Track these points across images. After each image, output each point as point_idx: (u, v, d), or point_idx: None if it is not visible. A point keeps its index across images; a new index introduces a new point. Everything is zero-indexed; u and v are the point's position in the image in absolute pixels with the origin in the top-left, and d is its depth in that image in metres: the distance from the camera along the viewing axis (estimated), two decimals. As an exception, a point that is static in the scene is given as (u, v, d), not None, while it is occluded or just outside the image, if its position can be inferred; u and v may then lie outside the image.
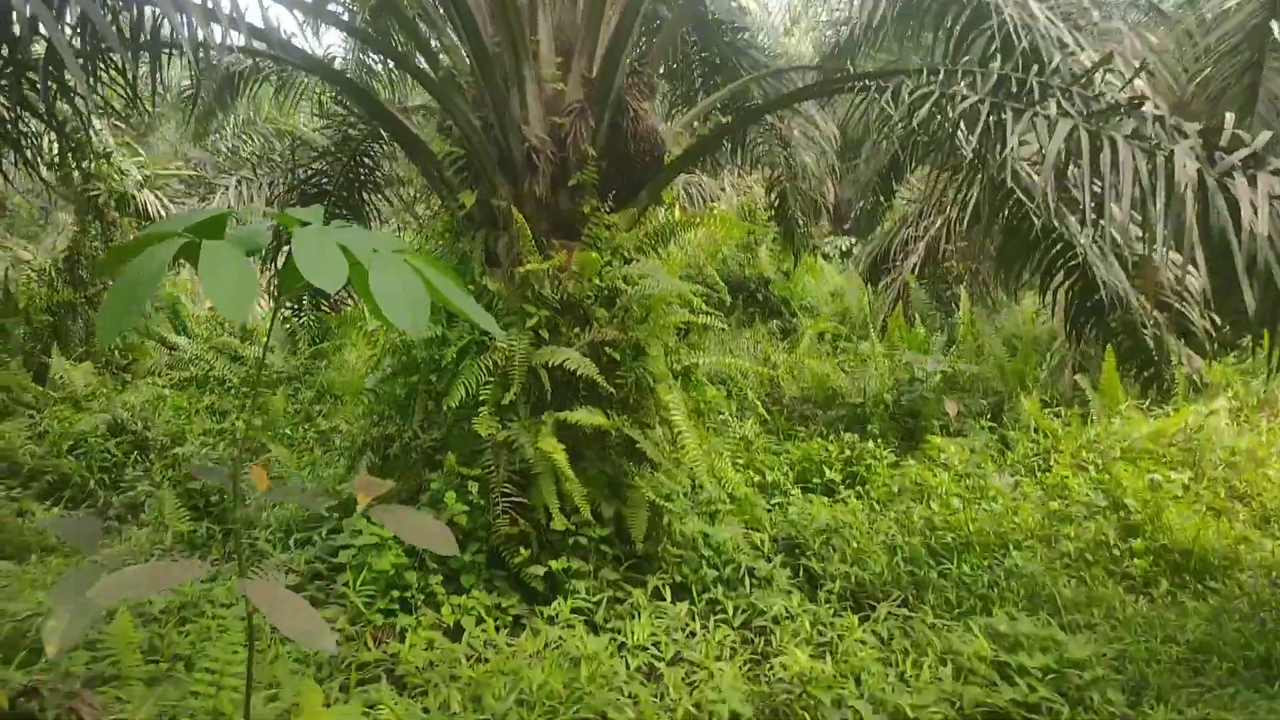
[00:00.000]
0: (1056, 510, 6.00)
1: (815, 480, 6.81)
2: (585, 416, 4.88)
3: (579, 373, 4.81)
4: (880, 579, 4.96)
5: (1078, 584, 5.02)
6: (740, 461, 6.93)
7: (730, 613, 4.49)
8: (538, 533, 5.02)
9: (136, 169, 12.05)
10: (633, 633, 4.20)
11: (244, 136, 14.58)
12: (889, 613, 4.50)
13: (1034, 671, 3.84)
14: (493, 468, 4.96)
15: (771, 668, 3.86)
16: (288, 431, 7.90)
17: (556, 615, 4.31)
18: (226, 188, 14.14)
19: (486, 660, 3.81)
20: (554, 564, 4.77)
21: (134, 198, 11.79)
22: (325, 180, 8.97)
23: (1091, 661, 3.94)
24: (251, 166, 12.74)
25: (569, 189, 5.30)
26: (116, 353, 9.15)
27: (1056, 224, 7.71)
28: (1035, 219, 7.67)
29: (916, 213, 11.74)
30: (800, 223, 11.35)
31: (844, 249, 16.81)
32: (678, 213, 5.58)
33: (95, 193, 9.21)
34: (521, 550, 4.93)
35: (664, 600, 4.66)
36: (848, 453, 7.00)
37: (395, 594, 4.62)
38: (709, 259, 12.54)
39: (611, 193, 5.27)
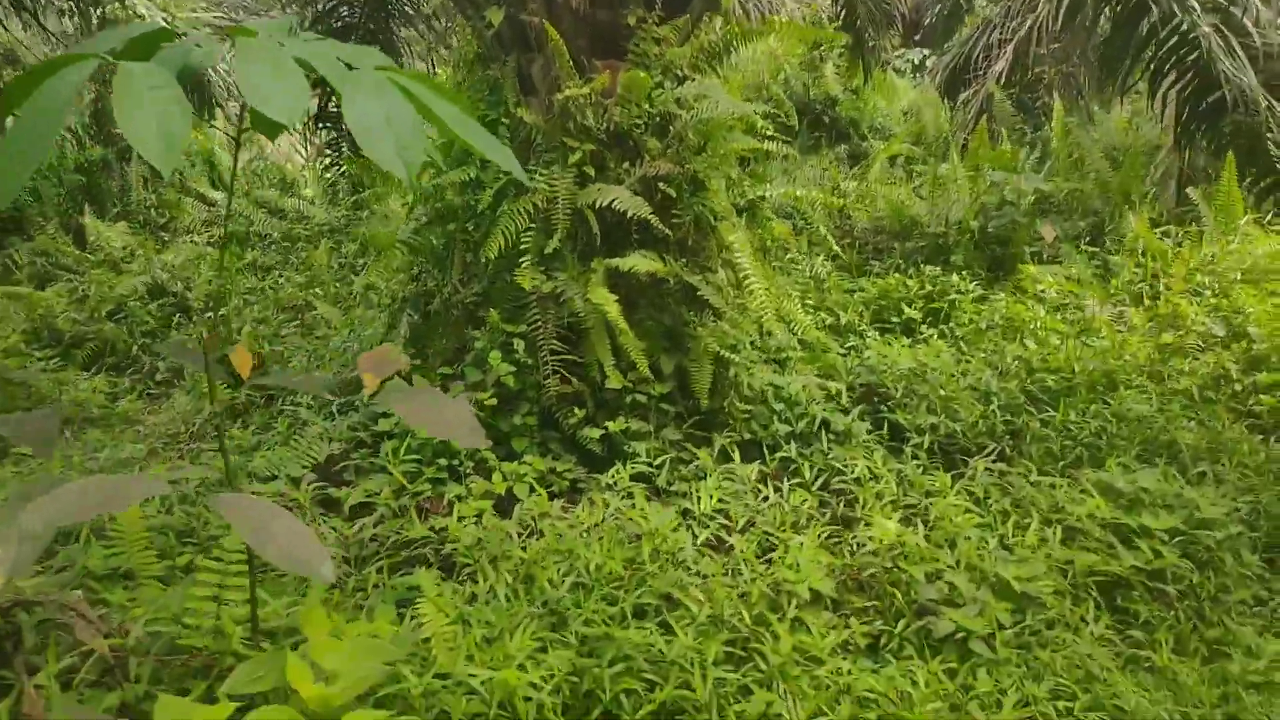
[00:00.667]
0: (1170, 343, 5.37)
1: (894, 320, 6.24)
2: (639, 262, 4.35)
3: (630, 214, 4.25)
4: (973, 430, 4.47)
5: (1199, 428, 4.47)
6: (811, 302, 6.38)
7: (806, 474, 4.08)
8: (593, 391, 4.62)
9: (155, 10, 11.38)
10: (699, 499, 3.82)
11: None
12: (985, 468, 4.04)
13: (1157, 533, 3.36)
14: (539, 323, 4.51)
15: (855, 537, 3.45)
16: (333, 288, 7.56)
17: (615, 482, 3.93)
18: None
19: (541, 534, 3.47)
20: (611, 425, 4.38)
21: (157, 45, 11.19)
22: (348, 11, 8.25)
23: (1222, 520, 3.44)
24: (281, 5, 11.94)
25: (603, -2, 4.57)
26: (153, 210, 8.81)
27: (1175, 10, 6.67)
28: (1153, 4, 6.65)
29: (1002, 13, 10.49)
30: (870, 34, 10.28)
31: (917, 62, 15.44)
32: (735, 26, 4.80)
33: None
34: (576, 411, 4.54)
35: (732, 461, 4.26)
36: (929, 288, 6.38)
37: (442, 462, 4.30)
38: (771, 79, 11.54)
39: (659, 0, 4.53)
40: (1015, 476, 3.96)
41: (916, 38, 16.60)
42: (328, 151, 8.89)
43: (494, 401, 4.39)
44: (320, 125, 8.55)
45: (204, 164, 10.32)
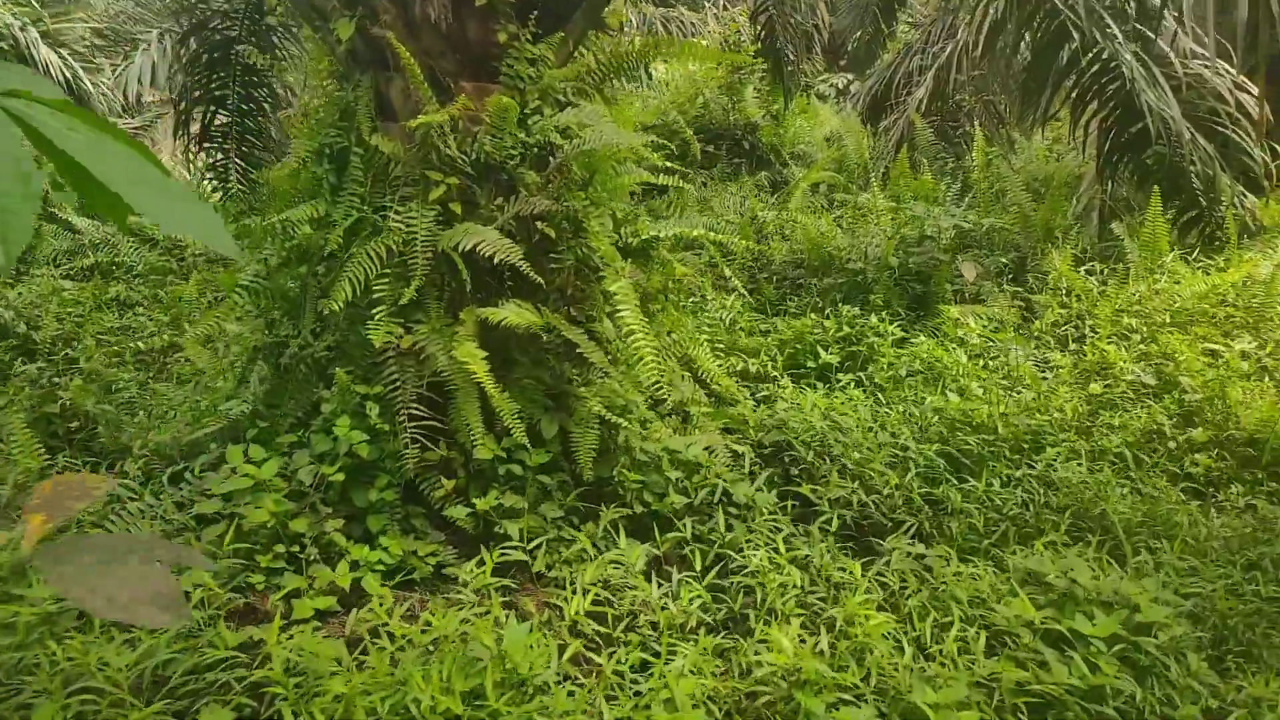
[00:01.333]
0: (1099, 394, 5.00)
1: (809, 364, 5.78)
2: (512, 314, 3.79)
3: (498, 259, 3.69)
4: (888, 502, 3.99)
5: (1132, 496, 4.07)
6: (721, 346, 5.89)
7: (699, 563, 3.54)
8: (465, 459, 4.04)
9: (23, 20, 10.50)
10: (574, 594, 3.25)
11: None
12: (901, 550, 3.55)
13: (1093, 641, 2.90)
14: (398, 383, 3.92)
15: (749, 650, 2.92)
16: (205, 327, 6.81)
17: (469, 580, 3.35)
18: (148, 44, 12.53)
19: (369, 655, 2.86)
20: (479, 502, 3.80)
21: (25, 57, 10.30)
22: (225, 24, 7.55)
23: (1164, 621, 3.00)
24: (175, 15, 11.14)
25: (477, 11, 4.02)
26: None
27: (1098, 37, 6.39)
28: (1073, 32, 6.35)
29: (923, 39, 10.26)
30: (790, 57, 9.93)
31: (840, 87, 15.24)
32: (628, 45, 4.29)
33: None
34: (444, 482, 3.95)
35: (619, 541, 3.70)
36: (847, 329, 5.94)
37: (280, 548, 3.67)
38: (688, 104, 11.15)
39: (533, 14, 4.00)
40: (935, 560, 3.48)
41: (841, 63, 16.44)
42: (209, 175, 8.15)
43: (340, 476, 3.77)
44: (202, 145, 7.83)
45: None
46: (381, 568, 3.71)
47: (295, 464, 3.91)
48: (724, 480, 4.03)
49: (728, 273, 4.93)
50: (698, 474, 4.13)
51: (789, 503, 4.05)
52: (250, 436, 4.21)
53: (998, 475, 4.15)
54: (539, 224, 3.99)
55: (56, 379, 5.11)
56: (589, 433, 3.98)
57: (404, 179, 3.94)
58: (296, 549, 3.70)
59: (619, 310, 3.68)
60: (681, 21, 15.63)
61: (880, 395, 5.34)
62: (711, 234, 4.48)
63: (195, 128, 7.68)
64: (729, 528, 3.80)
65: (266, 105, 7.56)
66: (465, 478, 4.04)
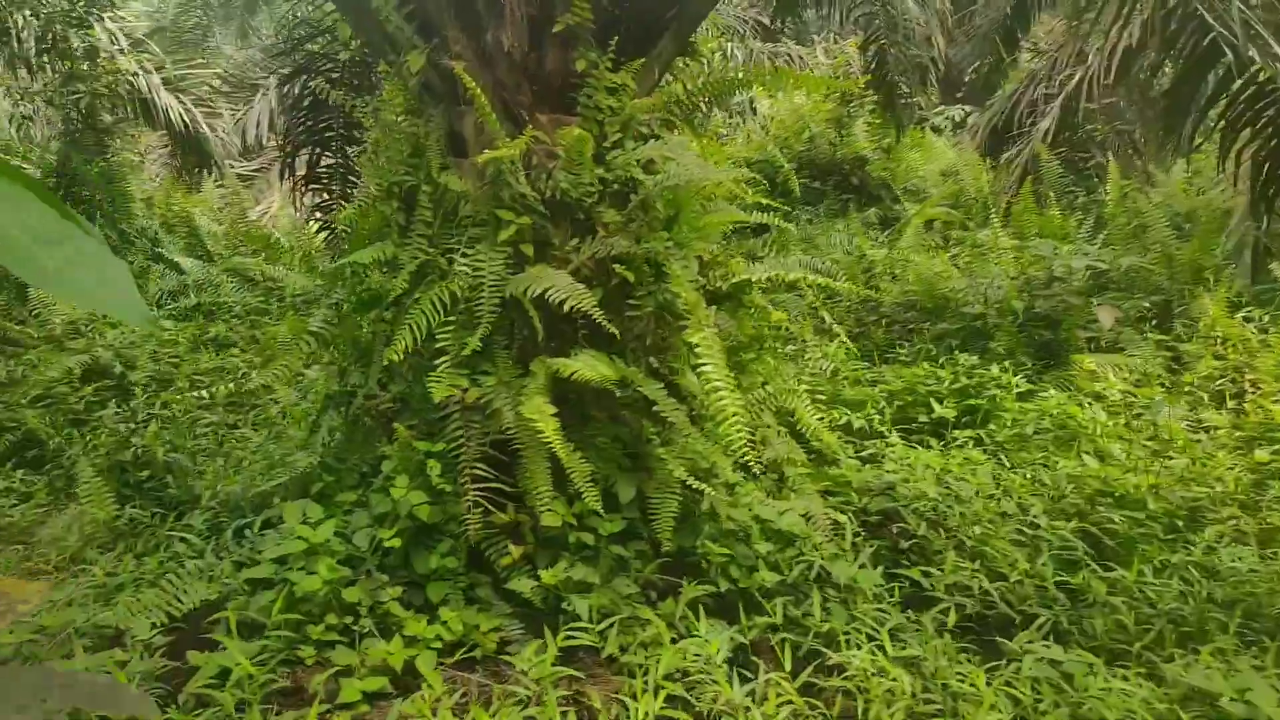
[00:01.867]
0: (1264, 463, 4.30)
1: (921, 419, 5.24)
2: (584, 367, 3.43)
3: (569, 306, 3.35)
4: (1016, 591, 3.43)
5: (1318, 589, 3.39)
6: (823, 396, 5.41)
7: (789, 657, 3.07)
8: (534, 521, 3.69)
9: (146, 69, 10.89)
10: (640, 696, 2.84)
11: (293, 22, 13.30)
12: (1032, 652, 3.00)
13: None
14: (462, 440, 3.60)
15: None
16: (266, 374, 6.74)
17: (528, 668, 2.97)
18: (267, 89, 12.91)
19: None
20: (546, 575, 3.43)
21: (147, 102, 10.66)
22: (330, 68, 7.56)
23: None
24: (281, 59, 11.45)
25: (555, 38, 3.73)
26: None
27: (1255, 56, 5.69)
28: (1226, 52, 5.67)
29: (1048, 66, 9.59)
30: (903, 88, 9.43)
31: (957, 119, 14.54)
32: (723, 72, 3.92)
33: (77, 94, 8.02)
34: (511, 548, 3.61)
35: (698, 623, 3.27)
36: (964, 380, 5.37)
37: (333, 619, 3.38)
38: (793, 138, 10.74)
39: (614, 40, 3.67)
40: (1074, 666, 2.91)
41: (959, 94, 15.74)
42: (317, 215, 8.18)
43: (397, 542, 3.47)
44: (309, 186, 7.86)
45: (187, 228, 9.70)
46: (439, 644, 3.37)
47: (354, 524, 3.64)
48: (822, 556, 3.56)
49: (828, 317, 4.46)
50: (792, 547, 3.67)
51: (897, 585, 3.54)
52: (315, 492, 3.98)
53: (1149, 561, 3.53)
54: (617, 267, 3.64)
55: (136, 425, 5.02)
56: (669, 498, 3.57)
57: (473, 219, 3.66)
58: (350, 620, 3.40)
59: (702, 363, 3.28)
60: (789, 56, 15.28)
61: (1003, 457, 4.76)
62: (811, 276, 4.04)
63: (301, 169, 7.71)
64: (826, 612, 3.31)
65: (368, 145, 7.55)
66: (534, 543, 3.68)
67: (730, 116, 12.73)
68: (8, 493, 5.35)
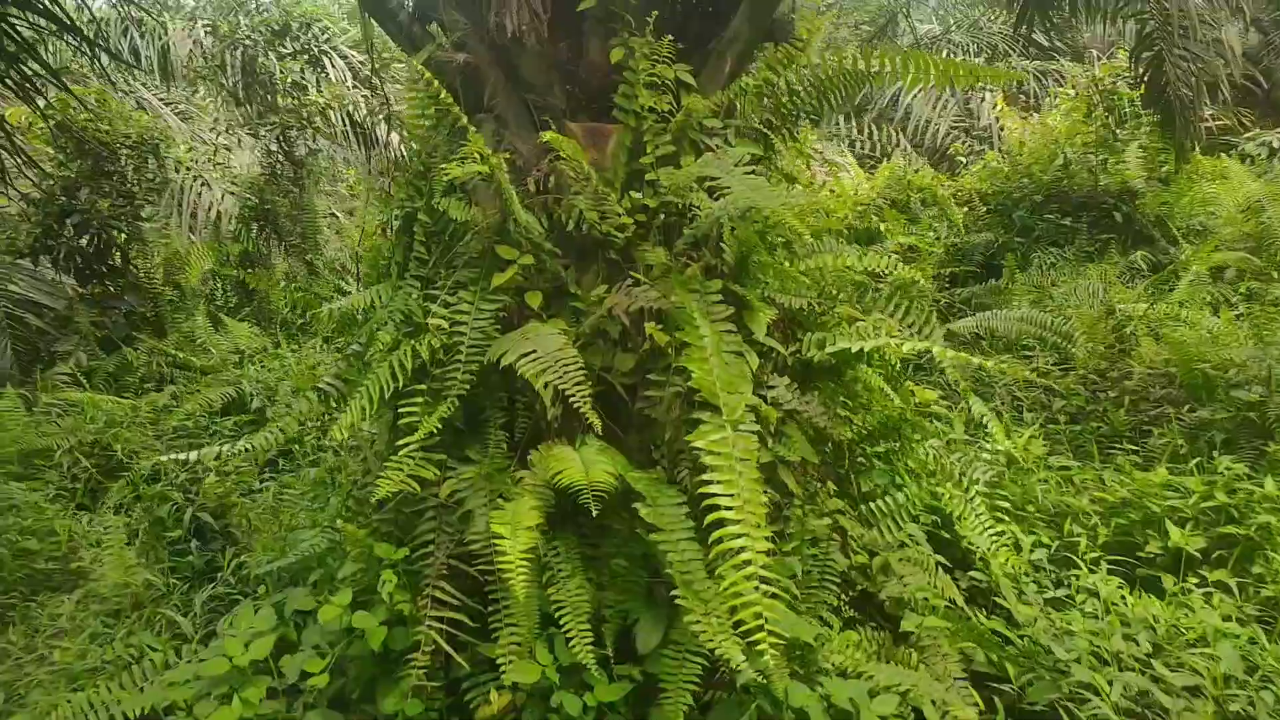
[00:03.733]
0: None
1: (1149, 549, 3.71)
2: (571, 465, 2.46)
3: (545, 382, 2.40)
4: None
5: None
6: (1005, 499, 4.01)
7: None
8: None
9: (369, 102, 11.13)
10: None
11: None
12: None
13: None
14: (432, 546, 2.74)
15: None
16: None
17: None
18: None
19: None
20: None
21: (369, 133, 10.87)
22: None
23: None
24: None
25: (598, 26, 2.82)
26: (293, 311, 8.13)
27: None
28: None
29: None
30: (1186, 102, 7.58)
31: (1275, 145, 11.88)
32: (829, 59, 2.81)
33: (274, 126, 8.15)
34: (494, 695, 2.69)
35: None
36: (1220, 497, 3.76)
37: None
38: (1041, 165, 9.03)
39: (651, 18, 2.69)
40: None
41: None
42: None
43: (324, 680, 2.65)
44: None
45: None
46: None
47: (305, 640, 2.88)
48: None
49: (980, 410, 3.17)
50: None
51: None
52: (311, 581, 3.30)
53: None
54: (651, 326, 2.64)
55: (198, 473, 4.63)
56: (687, 661, 2.49)
57: (466, 257, 2.81)
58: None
59: (710, 481, 2.18)
60: (1059, 75, 13.30)
61: (1275, 624, 3.18)
62: (949, 353, 2.77)
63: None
64: None
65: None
66: (525, 693, 2.74)
67: (969, 140, 11.13)
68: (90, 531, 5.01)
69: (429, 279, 2.93)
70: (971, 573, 3.51)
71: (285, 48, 9.07)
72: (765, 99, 2.91)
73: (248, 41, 8.03)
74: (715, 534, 2.14)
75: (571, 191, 2.75)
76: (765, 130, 2.93)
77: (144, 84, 10.64)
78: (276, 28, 8.30)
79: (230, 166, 8.30)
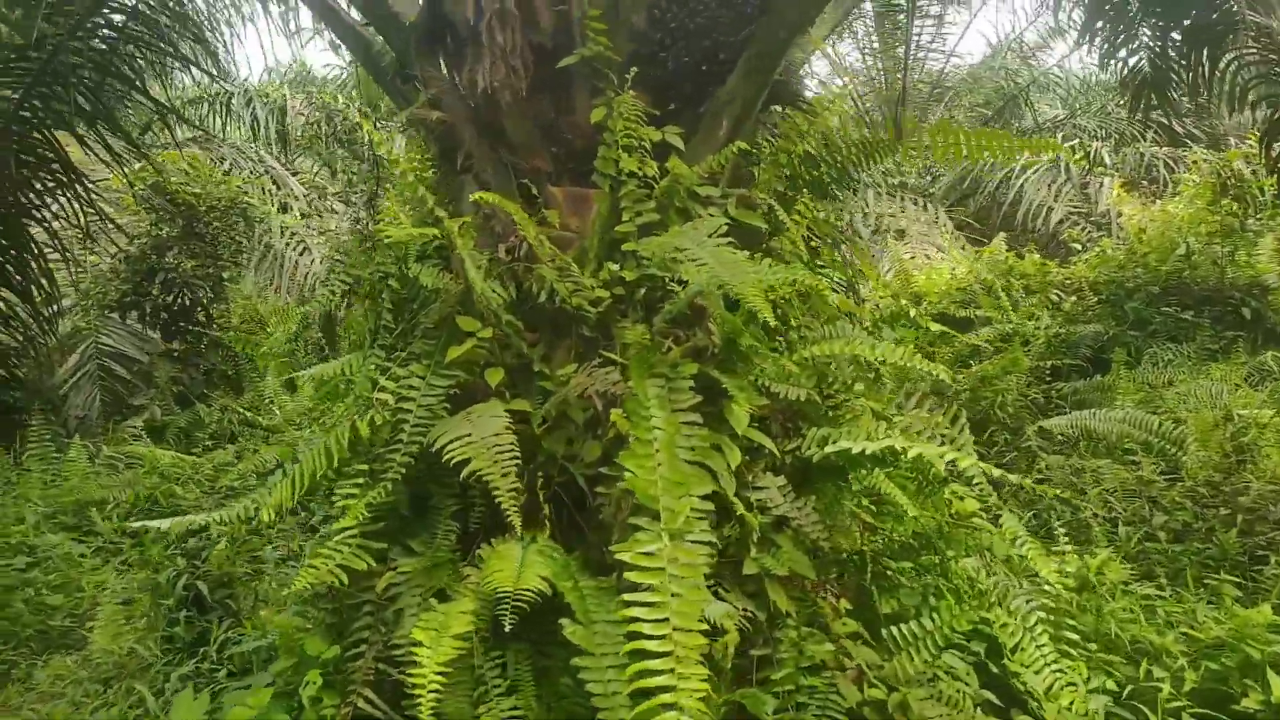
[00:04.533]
0: None
1: (1246, 702, 3.08)
2: (502, 568, 2.15)
3: (468, 472, 2.12)
4: None
5: None
6: (1075, 632, 3.44)
7: None
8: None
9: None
10: None
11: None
12: None
13: None
14: (365, 644, 2.46)
15: None
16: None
17: None
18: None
19: None
20: None
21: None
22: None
23: None
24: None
25: (584, 84, 2.59)
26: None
27: None
28: None
29: None
30: (1326, 188, 6.87)
31: None
32: (852, 127, 2.50)
33: (363, 191, 8.31)
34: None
35: None
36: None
37: None
38: (1163, 254, 8.31)
39: (632, 74, 2.44)
40: None
41: None
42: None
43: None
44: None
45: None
46: None
47: (235, 741, 2.62)
48: None
49: (1028, 555, 2.69)
50: None
51: None
52: (275, 669, 3.06)
53: None
54: (616, 413, 2.33)
55: (206, 540, 4.51)
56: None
57: (424, 328, 2.58)
58: None
59: (633, 600, 1.82)
60: (1160, 158, 12.45)
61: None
62: (979, 464, 2.34)
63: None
64: None
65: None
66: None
67: (1086, 225, 10.44)
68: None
69: (392, 348, 2.72)
70: (1023, 717, 2.98)
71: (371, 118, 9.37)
72: (782, 167, 2.61)
73: (345, 111, 8.28)
74: (632, 667, 1.78)
75: (541, 262, 2.50)
76: (773, 201, 2.62)
77: (267, 152, 11.18)
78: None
79: (327, 230, 8.50)
